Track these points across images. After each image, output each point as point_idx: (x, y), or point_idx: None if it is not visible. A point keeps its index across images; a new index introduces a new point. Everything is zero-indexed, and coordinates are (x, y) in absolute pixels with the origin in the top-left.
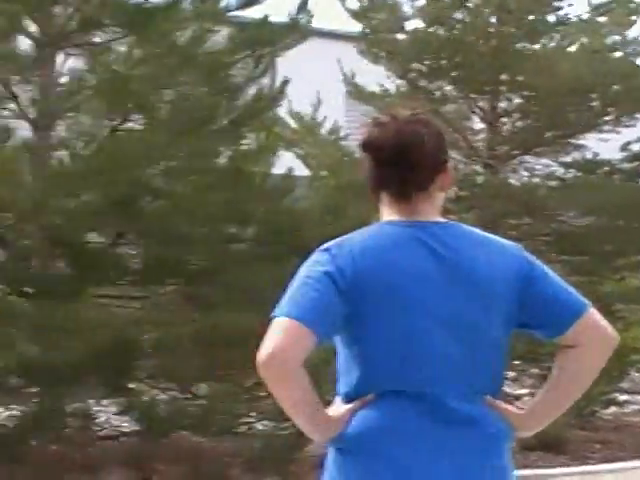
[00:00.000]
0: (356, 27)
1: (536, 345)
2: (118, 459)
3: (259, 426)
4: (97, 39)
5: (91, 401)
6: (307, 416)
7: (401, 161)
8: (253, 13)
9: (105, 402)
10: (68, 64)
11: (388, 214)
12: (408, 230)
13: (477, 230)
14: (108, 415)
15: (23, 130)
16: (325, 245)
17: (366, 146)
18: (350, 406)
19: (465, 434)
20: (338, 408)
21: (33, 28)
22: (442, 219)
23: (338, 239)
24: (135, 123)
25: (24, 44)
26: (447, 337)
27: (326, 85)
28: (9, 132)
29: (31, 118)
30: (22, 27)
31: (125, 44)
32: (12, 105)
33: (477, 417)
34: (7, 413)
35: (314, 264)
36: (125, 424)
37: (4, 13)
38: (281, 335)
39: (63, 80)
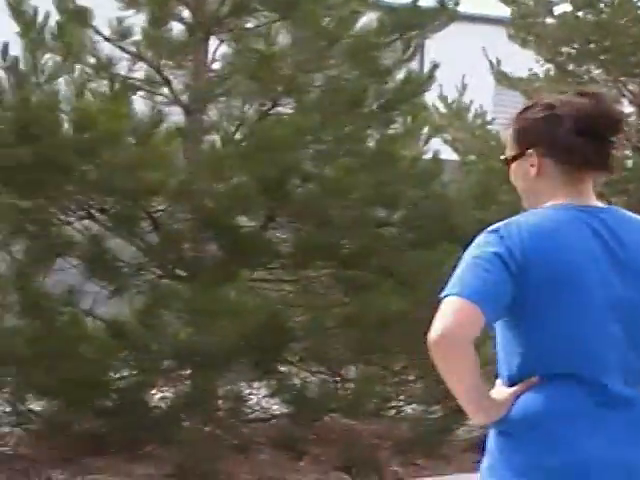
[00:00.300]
0: (503, 11)
1: None
2: (269, 441)
3: (408, 409)
4: (248, 24)
5: (242, 384)
6: (474, 397)
7: (611, 136)
8: None
9: (256, 385)
10: (219, 49)
11: (552, 195)
12: (576, 213)
13: (633, 214)
14: (259, 397)
15: (175, 115)
16: (493, 227)
17: (601, 116)
18: (514, 389)
19: (626, 417)
20: (502, 390)
21: (186, 14)
22: (601, 203)
23: (505, 221)
24: (285, 107)
25: (176, 29)
26: (613, 321)
27: (473, 68)
28: (162, 116)
29: (183, 102)
30: (175, 13)
31: (275, 28)
32: (165, 90)
33: (637, 400)
34: (160, 395)
35: (483, 245)
36: (275, 406)
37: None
38: (453, 314)
39: (214, 65)
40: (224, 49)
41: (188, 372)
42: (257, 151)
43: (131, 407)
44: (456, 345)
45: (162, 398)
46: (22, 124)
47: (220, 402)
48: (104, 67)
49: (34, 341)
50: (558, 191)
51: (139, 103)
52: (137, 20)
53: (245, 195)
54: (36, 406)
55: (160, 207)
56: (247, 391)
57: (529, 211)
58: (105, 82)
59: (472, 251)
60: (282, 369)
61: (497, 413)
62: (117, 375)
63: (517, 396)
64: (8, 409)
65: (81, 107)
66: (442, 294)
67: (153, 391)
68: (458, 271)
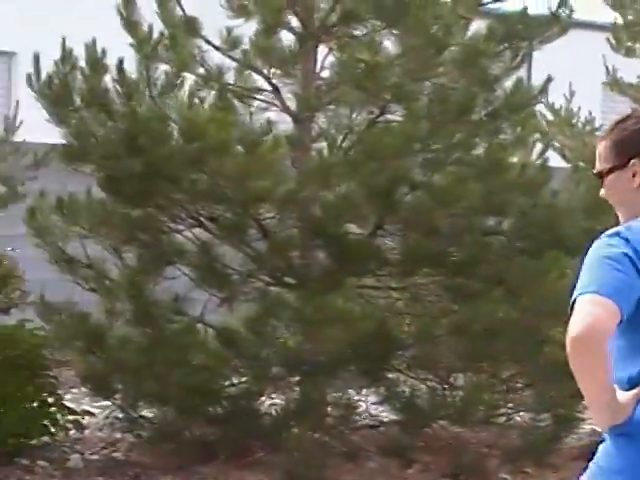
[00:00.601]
0: (608, 17)
1: None
2: (377, 448)
3: (517, 417)
4: (356, 32)
5: (351, 391)
6: (606, 397)
7: None
8: (511, 5)
9: (364, 392)
10: (328, 57)
11: None
12: None
13: None
14: (367, 405)
15: (284, 123)
16: (612, 230)
17: None
18: (635, 391)
19: None
20: (624, 393)
21: (294, 22)
22: None
23: (624, 226)
24: (393, 115)
25: (285, 38)
26: None
27: (579, 75)
28: (270, 125)
29: (292, 111)
30: (285, 21)
31: (383, 36)
32: (274, 98)
33: None
34: (270, 402)
35: (608, 247)
36: (384, 414)
37: (268, 8)
38: (592, 311)
39: (323, 73)
40: (333, 57)
41: (297, 379)
42: (365, 159)
43: (241, 414)
44: (595, 341)
45: (272, 405)
46: (132, 135)
47: (329, 409)
48: (213, 77)
49: (145, 349)
50: None
51: (247, 111)
52: (246, 29)
53: (353, 203)
54: (147, 413)
55: (269, 215)
56: (356, 398)
57: None
58: (214, 92)
59: (599, 252)
60: (390, 376)
61: (623, 415)
62: (227, 383)
63: (639, 399)
64: (120, 416)
65: (190, 117)
66: (575, 294)
67: (263, 398)
68: (587, 271)
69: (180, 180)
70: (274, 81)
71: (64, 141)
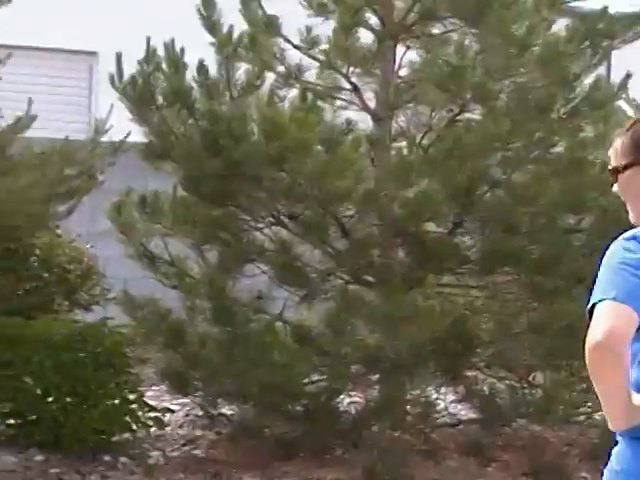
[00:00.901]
0: None
1: None
2: (457, 446)
3: (596, 416)
4: (435, 30)
5: (430, 389)
6: (623, 401)
7: None
8: (593, 4)
9: (443, 390)
10: (407, 55)
11: None
12: None
13: None
14: (446, 403)
15: (363, 122)
16: (629, 234)
17: None
18: None
19: None
20: (638, 396)
21: (373, 20)
22: None
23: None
24: (472, 113)
25: (364, 36)
26: None
27: None
28: (350, 124)
29: (371, 110)
30: (364, 20)
31: (462, 35)
32: (353, 97)
33: None
34: (349, 400)
35: (625, 251)
36: (463, 412)
37: (347, 7)
38: (612, 317)
39: (402, 72)
40: (411, 56)
41: (376, 377)
42: (445, 157)
43: (321, 412)
44: (616, 347)
45: (351, 403)
46: (212, 134)
47: (408, 407)
48: (293, 75)
49: (224, 346)
50: None
51: (328, 110)
52: (326, 28)
53: (433, 201)
54: (227, 410)
55: (348, 213)
56: (435, 396)
57: None
58: (294, 90)
59: (616, 257)
60: (469, 375)
61: (638, 419)
62: (307, 380)
63: None
64: (200, 413)
65: (271, 117)
66: (594, 299)
67: (342, 396)
68: (605, 277)
69: (260, 179)
70: (353, 80)
71: (145, 140)
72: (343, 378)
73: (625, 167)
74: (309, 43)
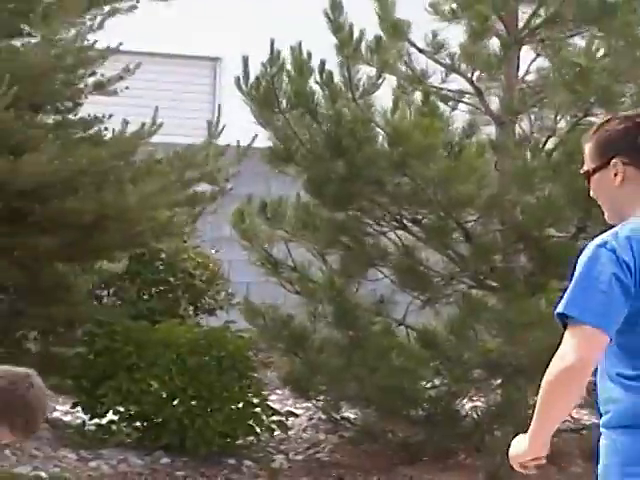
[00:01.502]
0: None
1: None
2: (581, 451)
3: None
4: (559, 34)
5: None
6: (553, 428)
7: None
8: None
9: None
10: (531, 60)
11: (636, 202)
12: None
13: None
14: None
15: (487, 126)
16: (601, 240)
17: None
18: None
19: None
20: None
21: (498, 26)
22: None
23: (611, 233)
24: (595, 117)
25: (490, 42)
26: None
27: None
28: (473, 129)
29: (495, 114)
30: (491, 27)
31: (586, 38)
32: (477, 101)
33: None
34: (471, 404)
35: (600, 263)
36: (586, 417)
37: (476, 14)
38: (588, 345)
39: (527, 77)
40: (536, 60)
41: (498, 382)
42: (568, 162)
43: (442, 416)
44: (585, 375)
45: (473, 407)
46: (336, 138)
47: (530, 412)
48: (418, 79)
49: (345, 350)
50: None
51: (451, 115)
52: (451, 33)
53: (555, 206)
54: (350, 414)
55: (471, 218)
56: None
57: (630, 223)
58: (419, 94)
59: (589, 269)
60: (592, 379)
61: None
62: (428, 384)
63: None
64: (323, 417)
65: (395, 123)
66: (567, 311)
67: (464, 400)
68: (578, 289)
69: (384, 183)
70: (478, 84)
71: (269, 144)
72: (464, 382)
73: (594, 170)
74: (434, 47)
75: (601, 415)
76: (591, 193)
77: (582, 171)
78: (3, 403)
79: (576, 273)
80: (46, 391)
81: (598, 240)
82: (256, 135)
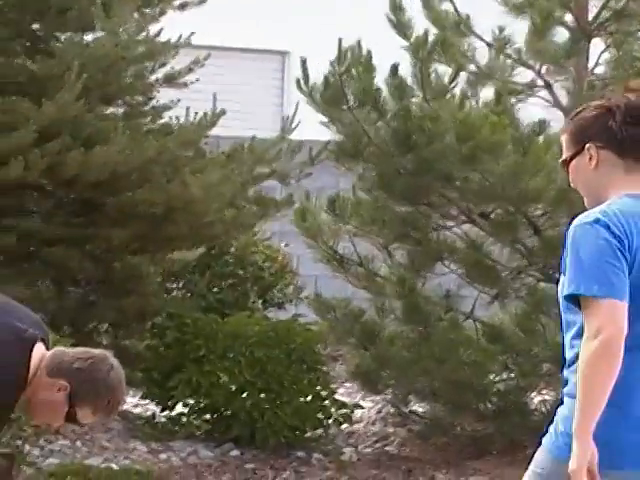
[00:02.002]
0: None
1: None
2: None
3: None
4: (629, 28)
5: None
6: (601, 408)
7: None
8: None
9: None
10: (600, 52)
11: (612, 185)
12: None
13: None
14: None
15: (555, 120)
16: (591, 217)
17: (631, 107)
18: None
19: None
20: None
21: (567, 17)
22: None
23: (599, 210)
24: None
25: (557, 34)
26: None
27: None
28: (542, 124)
29: (564, 107)
30: (558, 20)
31: None
32: (546, 94)
33: None
34: (540, 398)
35: (597, 238)
36: None
37: (542, 8)
38: (617, 319)
39: (596, 69)
40: (605, 53)
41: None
42: None
43: (511, 410)
44: (620, 347)
45: (542, 401)
46: (405, 133)
47: None
48: (485, 74)
49: (414, 345)
50: (618, 181)
51: (519, 109)
52: (518, 26)
53: None
54: (419, 408)
55: (539, 212)
56: None
57: (612, 201)
58: (486, 88)
59: (590, 243)
60: None
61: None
62: (497, 378)
63: None
64: (392, 410)
65: (463, 118)
66: (583, 291)
67: (533, 394)
68: (587, 268)
69: (452, 178)
70: (546, 78)
71: (336, 139)
72: (533, 376)
73: (571, 158)
74: (501, 41)
75: None
76: (570, 181)
77: (560, 160)
78: (88, 383)
79: (576, 253)
80: (123, 373)
81: (588, 218)
82: (329, 141)
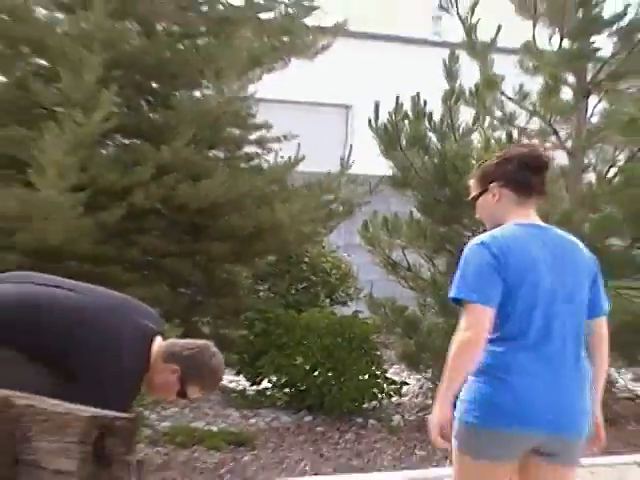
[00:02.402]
0: None
1: None
2: (634, 415)
3: None
4: (622, 87)
5: (611, 369)
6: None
7: (545, 172)
8: None
9: (622, 370)
10: (595, 104)
11: (507, 217)
12: (531, 229)
13: (564, 232)
14: (625, 381)
15: (560, 159)
16: (480, 239)
17: (536, 158)
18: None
19: (560, 371)
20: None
21: (571, 79)
22: (542, 222)
23: (488, 235)
24: None
25: (563, 90)
26: (556, 300)
27: None
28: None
29: (567, 148)
30: (563, 80)
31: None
32: (553, 138)
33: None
34: None
35: (479, 257)
36: (638, 388)
37: (551, 73)
38: (480, 321)
39: (592, 118)
40: (601, 107)
41: None
42: (625, 187)
43: None
44: (480, 343)
45: None
46: (442, 170)
47: None
48: (507, 120)
49: (446, 334)
50: (512, 213)
51: None
52: (534, 84)
53: (613, 222)
54: None
55: None
56: (615, 376)
57: (501, 227)
58: (506, 133)
59: (470, 261)
60: None
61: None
62: None
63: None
64: (430, 386)
65: (484, 156)
66: (460, 295)
67: None
68: (468, 276)
69: None
70: (554, 125)
71: (390, 173)
72: None
73: (479, 195)
74: (521, 96)
75: None
76: (477, 214)
77: (469, 197)
78: (195, 368)
79: (464, 266)
80: (222, 358)
81: (477, 240)
82: (383, 176)
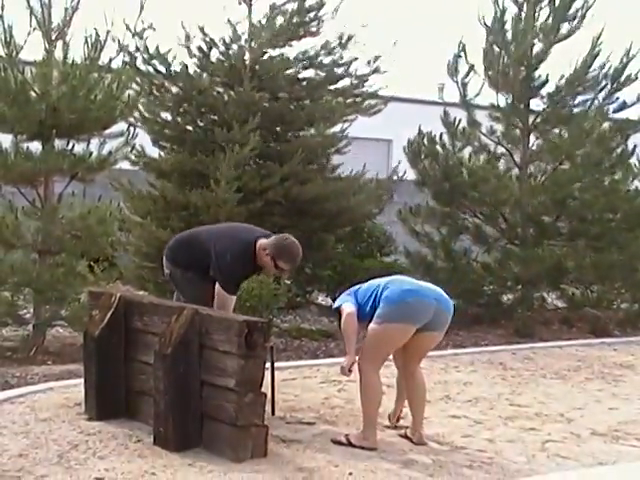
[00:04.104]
0: None
1: None
2: (558, 319)
3: None
4: (550, 128)
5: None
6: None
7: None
8: None
9: None
10: (536, 137)
11: None
12: None
13: None
14: (551, 299)
15: (514, 170)
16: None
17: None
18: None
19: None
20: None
21: (520, 124)
22: None
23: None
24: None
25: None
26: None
27: None
28: (509, 169)
29: (518, 164)
30: (516, 125)
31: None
32: (510, 158)
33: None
34: (505, 297)
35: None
36: (558, 303)
37: (507, 120)
38: (352, 310)
39: (534, 145)
40: (537, 140)
41: None
42: (551, 186)
43: (492, 303)
44: (354, 318)
45: (507, 299)
46: (445, 173)
47: None
48: (483, 147)
49: (448, 272)
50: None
51: (500, 163)
52: (498, 126)
53: (545, 206)
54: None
55: (507, 210)
56: (546, 296)
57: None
58: (483, 155)
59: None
60: None
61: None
62: (485, 288)
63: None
64: None
65: (470, 166)
66: (339, 303)
67: (503, 295)
68: (343, 296)
69: (466, 195)
70: (510, 150)
71: (415, 177)
72: (503, 287)
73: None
74: (490, 132)
75: None
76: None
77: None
78: (276, 247)
79: (355, 288)
80: (299, 244)
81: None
82: (404, 172)
